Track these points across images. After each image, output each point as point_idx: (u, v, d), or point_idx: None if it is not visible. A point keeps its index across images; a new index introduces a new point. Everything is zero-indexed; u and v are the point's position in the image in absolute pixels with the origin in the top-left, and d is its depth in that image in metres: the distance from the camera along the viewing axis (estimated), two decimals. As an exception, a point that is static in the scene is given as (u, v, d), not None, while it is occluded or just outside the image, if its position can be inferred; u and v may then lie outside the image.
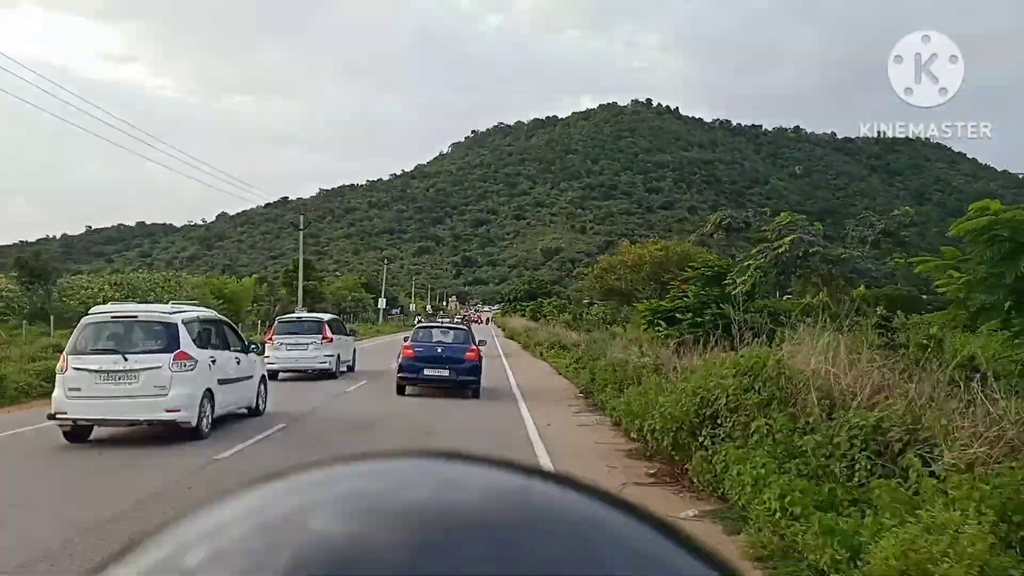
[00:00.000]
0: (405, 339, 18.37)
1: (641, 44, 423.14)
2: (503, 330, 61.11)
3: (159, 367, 10.06)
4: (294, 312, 29.58)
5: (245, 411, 12.85)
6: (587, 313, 46.50)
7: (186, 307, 11.83)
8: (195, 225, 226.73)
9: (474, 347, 17.20)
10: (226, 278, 47.74)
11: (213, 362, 10.97)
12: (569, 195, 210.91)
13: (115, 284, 25.60)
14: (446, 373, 16.61)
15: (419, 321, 48.75)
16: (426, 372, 16.58)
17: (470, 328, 20.53)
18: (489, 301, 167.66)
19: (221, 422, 11.37)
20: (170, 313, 10.74)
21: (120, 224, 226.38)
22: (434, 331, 18.75)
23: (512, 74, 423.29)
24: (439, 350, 16.99)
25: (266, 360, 19.41)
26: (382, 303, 60.31)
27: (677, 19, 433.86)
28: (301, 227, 44.48)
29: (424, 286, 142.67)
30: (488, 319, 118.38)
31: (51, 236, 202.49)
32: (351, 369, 22.66)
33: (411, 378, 16.74)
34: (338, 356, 20.85)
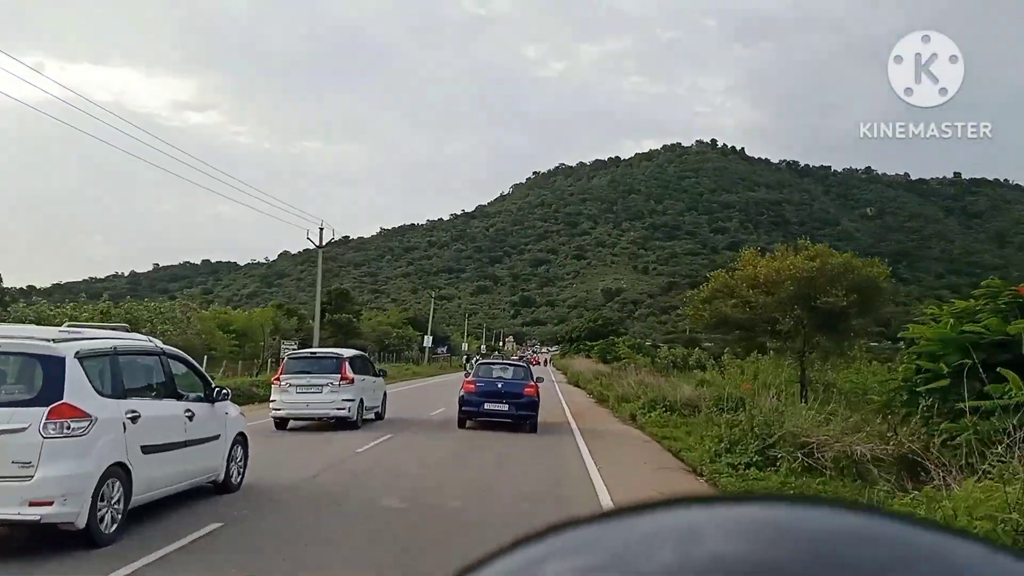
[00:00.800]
0: (467, 374, 20.06)
1: (705, 89, 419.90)
2: (564, 374, 53.64)
3: (21, 429, 6.34)
4: (307, 347, 25.86)
5: (211, 485, 9.15)
6: (657, 357, 41.87)
7: (91, 332, 7.88)
8: (257, 263, 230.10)
9: (532, 383, 18.12)
10: (230, 310, 44.45)
11: (133, 419, 7.22)
12: (631, 235, 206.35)
13: (103, 313, 21.96)
14: (505, 407, 17.34)
15: (468, 361, 48.91)
16: (486, 406, 17.37)
17: (528, 365, 21.63)
18: (548, 342, 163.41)
19: (151, 511, 7.73)
20: (53, 341, 6.82)
21: (186, 262, 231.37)
22: (494, 367, 19.62)
23: (574, 118, 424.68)
24: (499, 385, 17.85)
25: (271, 405, 16.30)
26: (427, 341, 55.57)
27: (740, 65, 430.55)
28: (319, 244, 36.26)
29: (480, 325, 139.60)
30: (547, 360, 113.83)
31: (120, 273, 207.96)
32: (380, 417, 19.07)
33: (472, 412, 17.53)
34: (361, 401, 17.20)
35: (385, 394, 20.03)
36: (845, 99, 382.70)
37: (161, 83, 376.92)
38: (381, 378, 20.17)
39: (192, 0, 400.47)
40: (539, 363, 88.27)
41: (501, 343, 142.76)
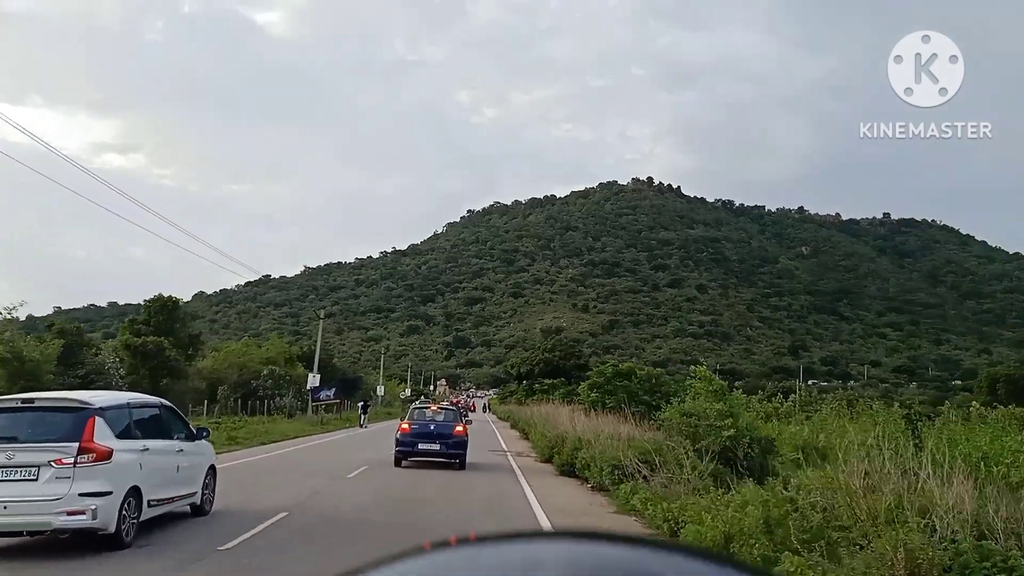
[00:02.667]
0: (401, 418, 22.89)
1: (634, 136, 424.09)
2: (517, 428, 39.38)
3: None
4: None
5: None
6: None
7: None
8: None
9: (462, 424, 20.23)
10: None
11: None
12: (570, 272, 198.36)
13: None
14: (437, 447, 19.15)
15: (364, 412, 39.55)
16: (420, 446, 19.12)
17: (459, 409, 25.24)
18: (485, 384, 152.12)
19: None
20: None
21: (91, 304, 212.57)
22: (427, 411, 21.06)
23: (507, 160, 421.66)
24: (432, 427, 19.54)
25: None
26: (313, 380, 38.61)
27: (666, 113, 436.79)
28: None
29: (408, 368, 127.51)
30: (486, 405, 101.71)
31: (15, 317, 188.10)
32: (200, 511, 11.24)
33: (407, 451, 19.17)
34: (134, 493, 9.13)
35: (213, 470, 11.95)
36: (768, 144, 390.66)
37: (82, 124, 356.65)
38: (204, 440, 11.83)
39: (114, 40, 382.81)
40: (475, 409, 76.36)
41: (432, 387, 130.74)
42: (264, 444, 24.61)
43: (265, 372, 40.94)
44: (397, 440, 19.16)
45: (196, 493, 11.12)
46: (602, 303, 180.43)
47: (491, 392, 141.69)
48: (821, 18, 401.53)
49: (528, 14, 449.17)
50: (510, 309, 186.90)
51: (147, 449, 9.63)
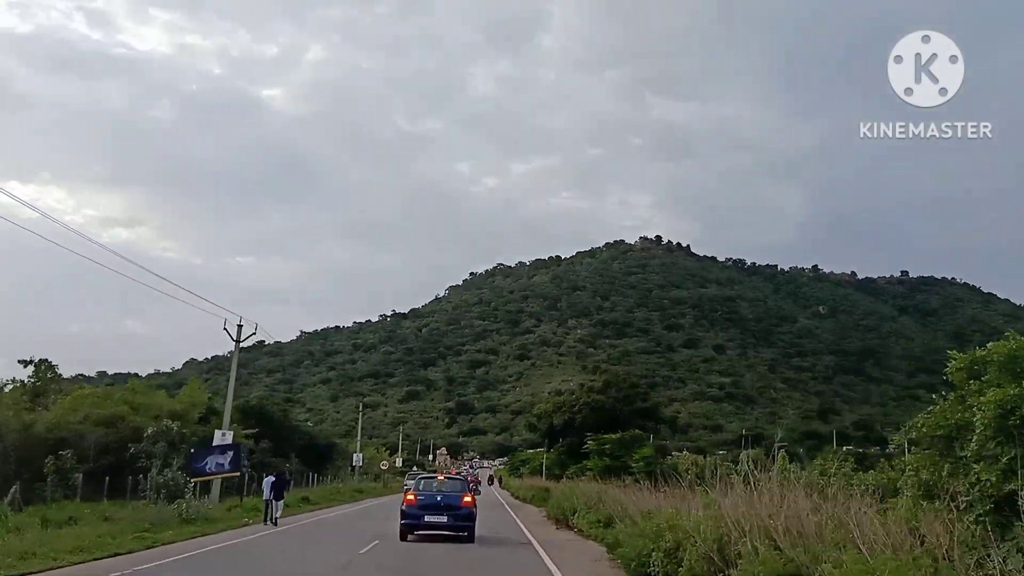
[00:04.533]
0: (405, 488, 23.44)
1: (633, 203, 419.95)
2: (562, 523, 23.83)
3: None
4: None
5: None
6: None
7: None
8: (157, 373, 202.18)
9: (470, 494, 19.57)
10: None
11: None
12: (579, 332, 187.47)
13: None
14: (444, 519, 18.54)
15: (271, 486, 23.34)
16: (427, 519, 18.55)
17: (466, 479, 25.14)
18: (488, 454, 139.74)
19: None
20: None
21: (79, 375, 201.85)
22: (433, 482, 20.68)
23: (509, 227, 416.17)
24: (439, 498, 18.98)
25: None
26: (221, 438, 26.72)
27: (663, 182, 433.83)
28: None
29: (401, 435, 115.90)
30: (492, 476, 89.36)
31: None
32: None
33: (413, 524, 18.56)
34: None
35: None
36: (772, 207, 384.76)
37: (88, 200, 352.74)
38: None
39: (119, 117, 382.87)
40: (478, 481, 63.98)
41: (431, 456, 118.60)
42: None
43: (151, 431, 26.37)
44: (403, 512, 18.81)
45: None
46: (614, 364, 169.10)
47: (496, 462, 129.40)
48: (818, 83, 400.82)
49: (524, 90, 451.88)
50: (516, 372, 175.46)
51: None
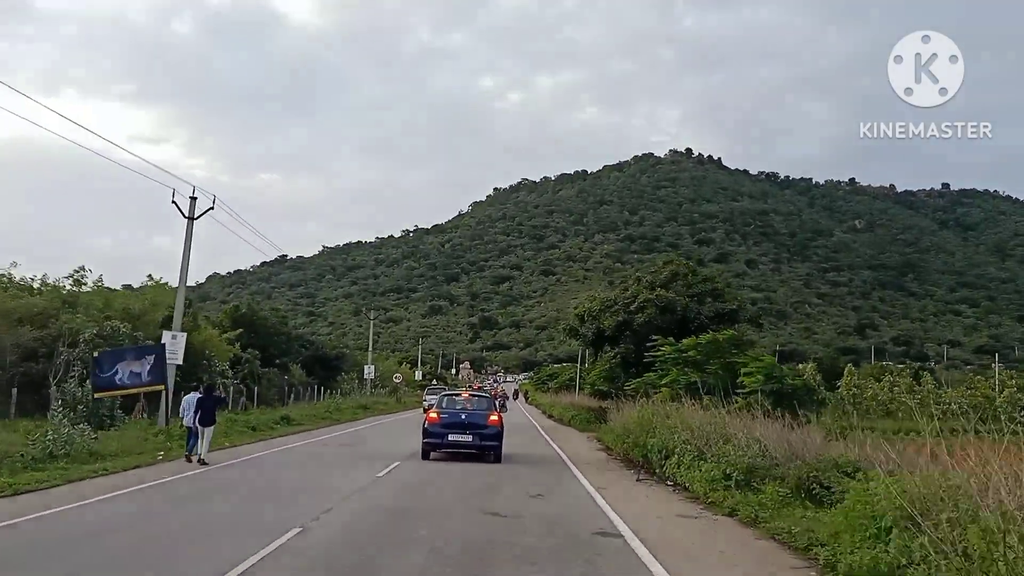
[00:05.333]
0: (425, 404, 23.39)
1: (662, 118, 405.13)
2: (617, 459, 19.20)
3: None
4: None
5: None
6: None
7: None
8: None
9: (496, 412, 18.67)
10: None
11: None
12: (605, 248, 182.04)
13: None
14: (469, 438, 17.66)
15: (195, 406, 16.72)
16: (450, 437, 17.72)
17: (493, 397, 23.94)
18: (513, 369, 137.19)
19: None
20: None
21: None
22: (458, 399, 19.89)
23: (534, 144, 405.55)
24: (463, 416, 18.03)
25: None
26: (172, 344, 20.77)
27: (693, 96, 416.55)
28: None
29: (431, 351, 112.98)
30: (516, 391, 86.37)
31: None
32: None
33: (436, 443, 17.87)
34: None
35: None
36: (807, 120, 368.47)
37: (115, 117, 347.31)
38: None
39: (145, 33, 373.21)
40: (506, 396, 60.10)
41: (455, 371, 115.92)
42: None
43: (88, 333, 21.54)
44: (425, 430, 18.12)
45: None
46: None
47: (520, 376, 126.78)
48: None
49: (551, 1, 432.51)
50: (540, 288, 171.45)
51: None
